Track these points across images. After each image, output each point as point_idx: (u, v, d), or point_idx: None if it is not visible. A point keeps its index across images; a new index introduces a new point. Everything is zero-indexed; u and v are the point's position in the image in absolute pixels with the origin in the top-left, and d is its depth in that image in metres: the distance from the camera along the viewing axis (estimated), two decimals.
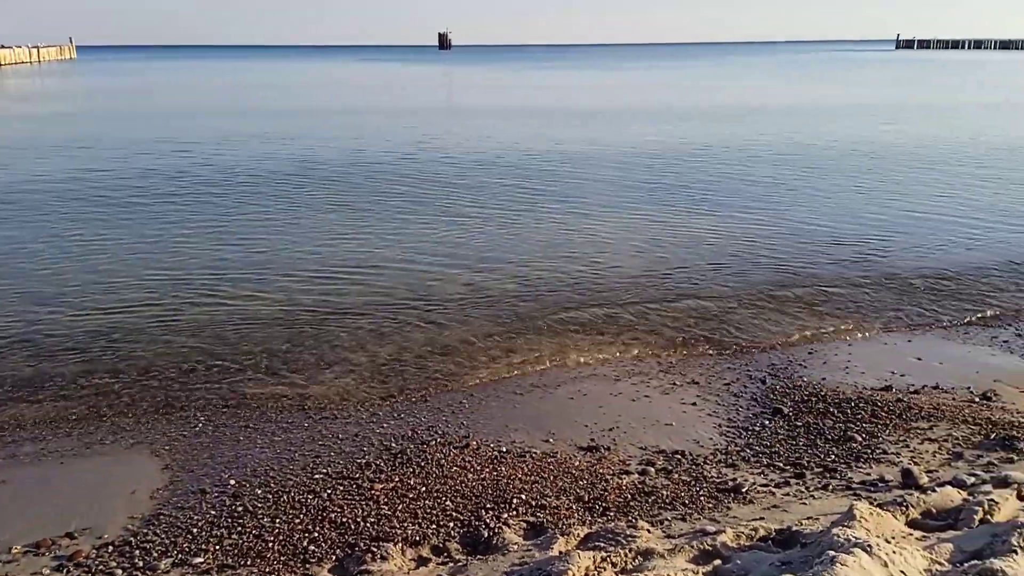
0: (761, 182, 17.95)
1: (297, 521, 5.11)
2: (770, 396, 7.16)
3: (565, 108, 38.60)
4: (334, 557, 4.71)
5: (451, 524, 5.04)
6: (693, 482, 5.59)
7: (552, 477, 5.68)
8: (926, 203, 15.63)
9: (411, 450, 6.14)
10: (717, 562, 3.93)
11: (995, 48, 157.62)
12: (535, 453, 6.10)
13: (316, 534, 4.95)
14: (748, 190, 16.96)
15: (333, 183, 17.82)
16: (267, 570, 4.61)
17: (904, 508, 4.36)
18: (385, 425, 6.63)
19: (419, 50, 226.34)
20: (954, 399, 7.06)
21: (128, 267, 11.20)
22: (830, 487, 5.43)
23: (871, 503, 4.43)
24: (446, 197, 16.21)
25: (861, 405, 6.87)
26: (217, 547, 4.84)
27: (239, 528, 5.05)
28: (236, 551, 4.80)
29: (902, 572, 3.39)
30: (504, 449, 6.17)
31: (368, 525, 5.03)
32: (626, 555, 4.03)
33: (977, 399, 7.05)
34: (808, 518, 4.76)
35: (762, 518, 4.84)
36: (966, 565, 3.50)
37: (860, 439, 6.22)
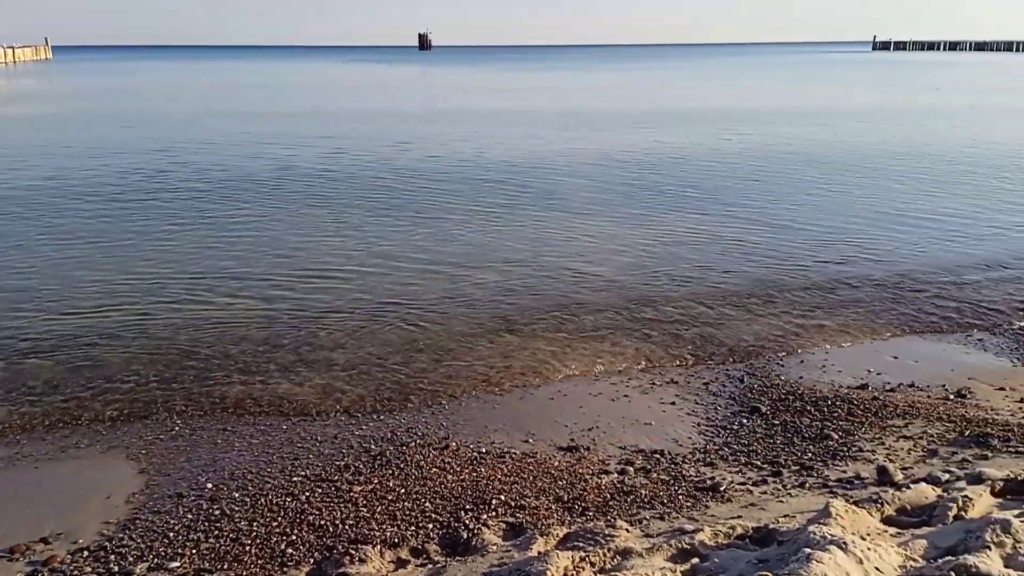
0: (739, 185, 18.08)
1: (275, 524, 5.08)
2: (748, 395, 7.21)
3: (544, 109, 38.65)
4: (312, 560, 4.68)
5: (430, 526, 5.03)
6: (672, 481, 5.61)
7: (532, 477, 5.68)
8: (900, 205, 15.78)
9: (390, 452, 6.12)
10: (695, 560, 3.95)
11: (970, 49, 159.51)
12: (515, 454, 6.10)
13: (294, 537, 4.92)
14: (727, 193, 17.07)
15: (312, 185, 17.73)
16: (244, 573, 4.58)
17: (879, 505, 4.40)
18: (364, 427, 6.61)
19: (400, 51, 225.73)
20: (929, 397, 7.14)
21: (104, 269, 11.08)
22: (807, 485, 5.47)
23: (847, 500, 4.47)
24: (425, 199, 16.18)
25: (838, 403, 6.93)
26: (194, 551, 4.80)
27: (216, 532, 5.01)
28: (213, 555, 4.76)
29: (877, 569, 3.42)
30: (484, 450, 6.17)
31: (347, 527, 5.01)
32: (605, 555, 4.04)
33: (952, 397, 7.13)
34: (785, 516, 4.80)
35: (740, 516, 4.87)
36: (940, 561, 3.53)
37: (837, 437, 6.27)
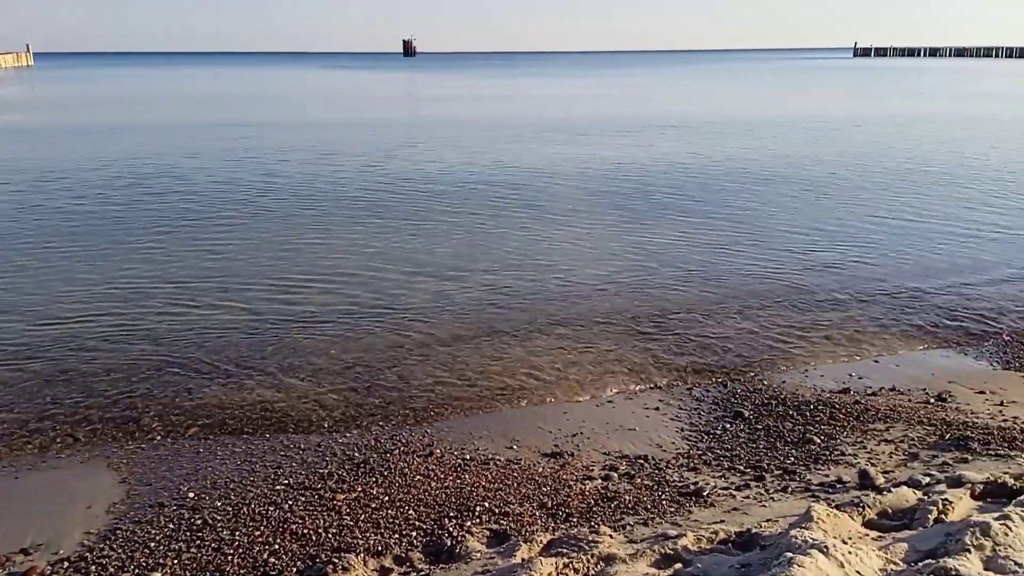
0: (724, 193, 18.17)
1: (257, 533, 5.05)
2: (731, 400, 7.24)
3: (527, 115, 38.75)
4: (295, 569, 4.65)
5: (414, 533, 5.01)
6: (655, 486, 5.63)
7: (516, 484, 5.68)
8: (882, 212, 15.91)
9: (374, 459, 6.10)
10: (678, 566, 3.96)
11: (951, 56, 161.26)
12: (499, 460, 6.10)
13: (277, 546, 4.89)
14: (711, 201, 17.16)
15: (296, 193, 17.68)
16: None
17: (861, 509, 4.43)
18: (348, 435, 6.59)
19: (384, 57, 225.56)
20: (910, 400, 7.19)
21: (86, 278, 11.00)
22: (789, 489, 5.50)
23: (829, 504, 4.49)
24: (410, 207, 16.16)
25: (820, 407, 6.97)
26: (175, 561, 4.77)
27: (198, 541, 4.97)
28: (195, 565, 4.73)
29: (858, 572, 3.44)
30: (468, 457, 6.16)
31: (330, 536, 4.99)
32: (588, 561, 4.04)
33: (932, 400, 7.19)
34: (768, 520, 4.82)
35: (723, 521, 4.89)
36: (920, 564, 3.56)
37: (819, 441, 6.31)
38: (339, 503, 5.42)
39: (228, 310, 9.62)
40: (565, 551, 4.32)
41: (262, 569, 4.66)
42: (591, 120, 35.82)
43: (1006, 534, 3.65)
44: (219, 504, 5.43)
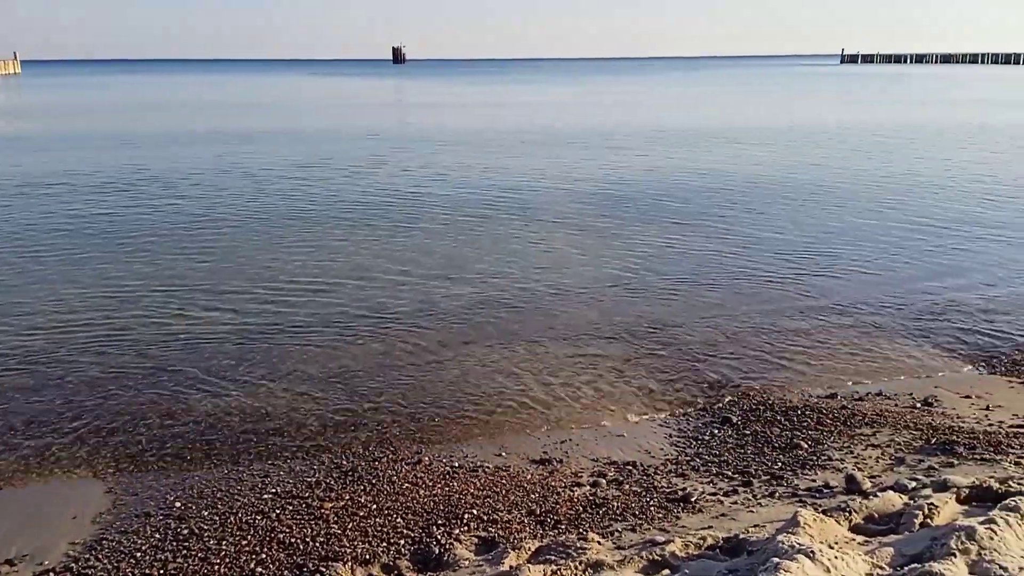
0: (714, 201, 18.25)
1: (244, 543, 5.02)
2: (719, 405, 7.25)
3: (516, 122, 38.84)
4: None
5: (402, 541, 5.00)
6: (643, 492, 5.63)
7: (504, 491, 5.67)
8: (864, 217, 16.01)
9: (362, 467, 6.08)
10: (666, 572, 3.97)
11: (937, 63, 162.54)
12: (487, 467, 6.09)
13: (264, 555, 4.87)
14: (702, 209, 17.25)
15: (284, 200, 17.65)
16: None
17: (847, 514, 4.45)
18: (336, 442, 6.56)
19: (373, 64, 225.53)
20: (896, 405, 7.22)
21: (72, 284, 10.93)
22: (776, 494, 5.51)
23: (816, 509, 4.51)
24: (398, 213, 16.16)
25: (807, 413, 7.00)
26: (162, 571, 4.74)
27: (184, 551, 4.94)
28: (182, 575, 4.70)
29: None
30: (456, 464, 6.15)
31: (317, 545, 4.97)
32: (576, 568, 4.04)
33: (919, 405, 7.22)
34: (755, 526, 4.83)
35: (710, 527, 4.90)
36: (906, 569, 3.58)
37: (806, 446, 6.32)
38: (327, 512, 5.40)
39: (216, 318, 9.58)
40: (553, 558, 4.32)
41: None
42: (579, 128, 35.92)
43: (991, 538, 3.67)
44: (206, 513, 5.41)
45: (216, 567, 4.76)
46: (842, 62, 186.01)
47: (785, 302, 10.27)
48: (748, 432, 6.66)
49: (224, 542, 5.04)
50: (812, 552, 3.56)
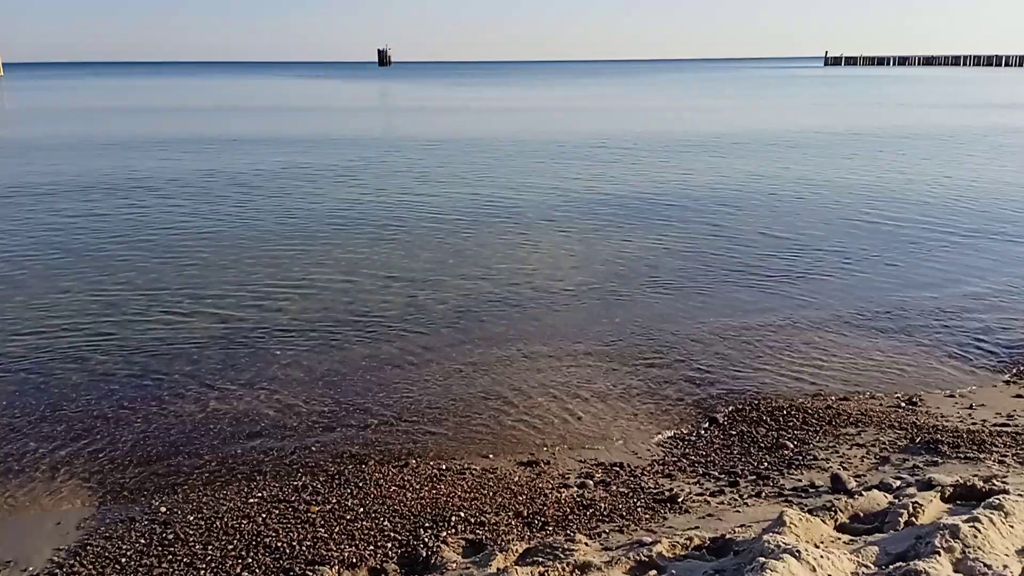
0: (706, 205, 18.31)
1: (230, 547, 4.99)
2: (706, 406, 7.27)
3: (501, 125, 38.87)
4: None
5: (389, 545, 4.98)
6: (631, 493, 5.64)
7: (491, 493, 5.66)
8: (848, 220, 16.11)
9: (349, 470, 6.06)
10: (653, 572, 3.97)
11: (919, 64, 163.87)
12: (475, 469, 6.08)
13: (250, 560, 4.84)
14: (692, 212, 17.30)
15: (269, 203, 17.58)
16: None
17: (833, 513, 4.47)
18: (322, 445, 6.54)
19: (359, 66, 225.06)
20: (881, 405, 7.27)
21: (57, 287, 10.85)
22: (763, 494, 5.54)
23: (801, 509, 4.53)
24: (384, 216, 16.12)
25: (793, 412, 7.03)
26: None
27: (169, 556, 4.91)
28: None
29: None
30: (444, 466, 6.14)
31: (304, 549, 4.94)
32: (564, 569, 4.05)
33: (903, 404, 7.27)
34: (741, 526, 4.85)
35: (697, 527, 4.91)
36: (891, 567, 3.60)
37: (792, 446, 6.35)
38: (313, 515, 5.38)
39: (202, 321, 9.52)
40: (541, 560, 4.32)
41: None
42: (562, 132, 35.98)
43: (975, 536, 3.70)
44: (191, 518, 5.37)
45: (202, 572, 4.73)
46: (826, 64, 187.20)
47: (770, 304, 10.32)
48: (734, 432, 6.69)
49: (210, 547, 5.00)
50: (798, 551, 3.58)
